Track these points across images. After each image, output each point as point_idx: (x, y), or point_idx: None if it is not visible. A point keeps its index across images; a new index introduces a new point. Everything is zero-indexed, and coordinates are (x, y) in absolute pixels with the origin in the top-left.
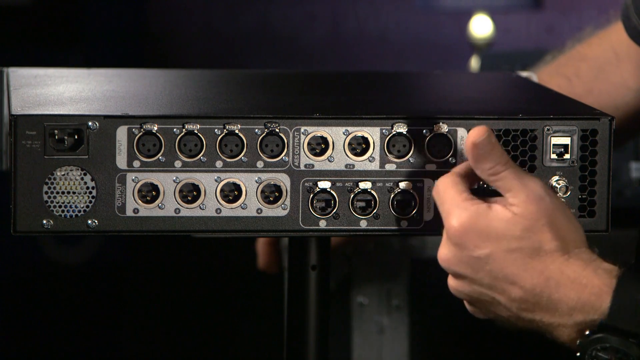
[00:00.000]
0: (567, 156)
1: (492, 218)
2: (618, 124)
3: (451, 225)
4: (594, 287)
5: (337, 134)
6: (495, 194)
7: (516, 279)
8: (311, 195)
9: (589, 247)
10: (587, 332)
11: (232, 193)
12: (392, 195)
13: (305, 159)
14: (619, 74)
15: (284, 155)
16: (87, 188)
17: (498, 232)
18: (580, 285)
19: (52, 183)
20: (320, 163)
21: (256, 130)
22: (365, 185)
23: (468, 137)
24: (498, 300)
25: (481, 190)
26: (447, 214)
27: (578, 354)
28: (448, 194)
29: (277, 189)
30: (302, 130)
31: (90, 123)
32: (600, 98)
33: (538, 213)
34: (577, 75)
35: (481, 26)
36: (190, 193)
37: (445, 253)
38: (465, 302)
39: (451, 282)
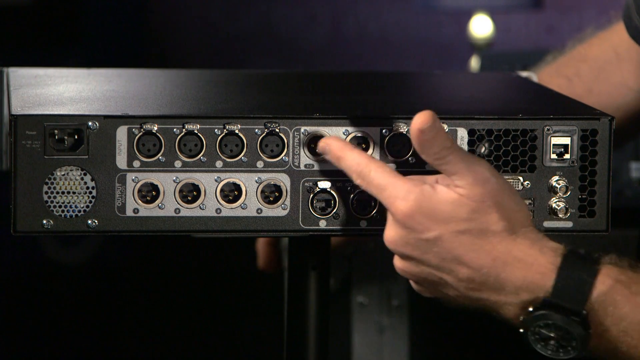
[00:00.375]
0: (567, 156)
1: (439, 200)
2: (618, 124)
3: (398, 207)
4: (540, 266)
5: (337, 134)
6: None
7: (464, 259)
8: (311, 195)
9: (535, 226)
10: (530, 309)
11: (232, 193)
12: None
13: (305, 159)
14: (619, 74)
15: (284, 155)
16: (87, 188)
17: (445, 214)
18: (526, 264)
19: (52, 183)
20: (320, 163)
21: (256, 130)
22: None
23: (413, 123)
24: (445, 280)
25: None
26: (392, 197)
27: (521, 330)
28: (391, 178)
29: (277, 189)
30: (302, 130)
31: (90, 123)
32: (601, 98)
33: (484, 195)
34: (578, 76)
35: (481, 26)
36: (190, 193)
37: (392, 235)
38: (411, 282)
39: (397, 262)
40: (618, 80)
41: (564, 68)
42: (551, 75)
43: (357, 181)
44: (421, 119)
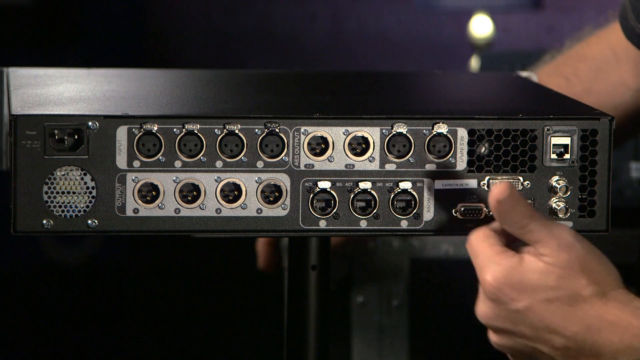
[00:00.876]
0: (567, 156)
1: (525, 270)
2: (617, 123)
3: (486, 280)
4: (635, 329)
5: (337, 134)
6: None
7: (557, 328)
8: (311, 195)
9: (625, 287)
10: None
11: (232, 193)
12: (392, 195)
13: (305, 159)
14: (617, 73)
15: (284, 155)
16: (87, 188)
17: (533, 283)
18: (620, 328)
19: (52, 183)
20: (320, 163)
21: (256, 130)
22: (365, 185)
23: (491, 194)
24: (541, 350)
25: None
26: (481, 268)
27: None
28: (480, 248)
29: (277, 189)
30: (302, 130)
31: (90, 123)
32: (600, 98)
33: (570, 260)
34: (576, 75)
35: (481, 26)
36: (190, 193)
37: (483, 309)
38: (508, 355)
39: (492, 336)
40: (616, 79)
41: (563, 67)
42: (550, 74)
43: (467, 247)
44: (498, 190)
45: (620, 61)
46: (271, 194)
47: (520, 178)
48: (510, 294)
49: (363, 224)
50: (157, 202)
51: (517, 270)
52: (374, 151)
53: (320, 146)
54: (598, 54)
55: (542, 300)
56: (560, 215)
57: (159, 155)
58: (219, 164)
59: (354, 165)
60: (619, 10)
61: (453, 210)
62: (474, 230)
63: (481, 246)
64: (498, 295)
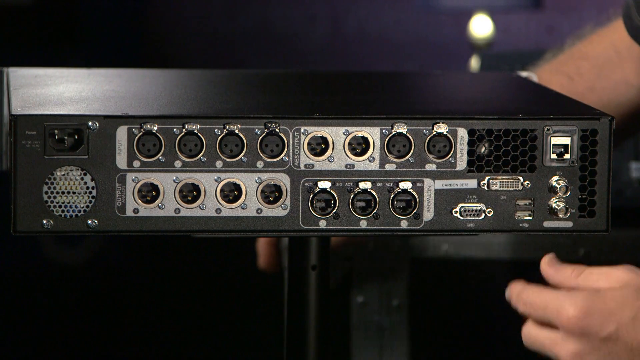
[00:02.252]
0: (567, 156)
1: (604, 296)
2: (620, 121)
3: (570, 316)
4: None
5: (337, 134)
6: None
7: None
8: (311, 195)
9: None
10: None
11: (232, 193)
12: (392, 195)
13: (305, 159)
14: (620, 71)
15: (284, 155)
16: (87, 188)
17: (617, 303)
18: None
19: (52, 183)
20: (320, 163)
21: (256, 130)
22: (365, 185)
23: (542, 265)
24: None
25: None
26: (558, 309)
27: None
28: (548, 294)
29: (277, 189)
30: (302, 130)
31: (90, 123)
32: (602, 96)
33: (638, 276)
34: (579, 74)
35: (481, 26)
36: (190, 193)
37: (572, 348)
38: None
39: None
40: (619, 77)
41: (565, 66)
42: (552, 73)
43: (523, 310)
44: (545, 259)
45: (623, 59)
46: (271, 194)
47: (520, 178)
48: (596, 322)
49: (363, 224)
50: (157, 202)
51: (598, 298)
52: (374, 151)
53: (320, 146)
54: (600, 52)
55: (629, 318)
56: (560, 215)
57: (159, 155)
58: (219, 164)
59: (354, 165)
60: (623, 8)
61: (453, 210)
62: (522, 284)
63: (545, 293)
64: (585, 328)
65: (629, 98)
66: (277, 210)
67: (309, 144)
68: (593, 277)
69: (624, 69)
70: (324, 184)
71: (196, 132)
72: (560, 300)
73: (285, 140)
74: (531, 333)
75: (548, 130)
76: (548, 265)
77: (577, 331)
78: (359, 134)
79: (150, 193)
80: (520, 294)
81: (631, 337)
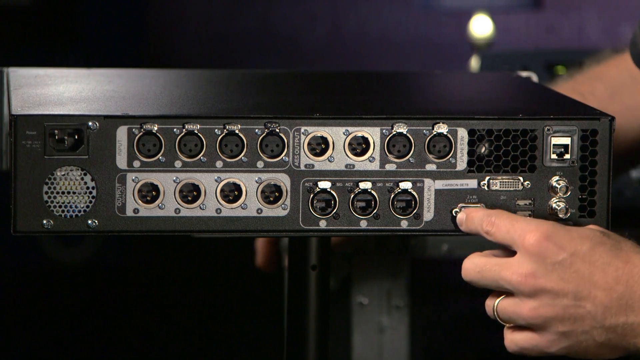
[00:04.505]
0: (567, 156)
1: (570, 227)
2: (630, 146)
3: (531, 236)
4: None
5: (337, 134)
6: None
7: (602, 272)
8: (311, 195)
9: None
10: None
11: (232, 193)
12: (392, 195)
13: (305, 159)
14: (633, 97)
15: (284, 155)
16: (87, 188)
17: (579, 235)
18: None
19: (52, 183)
20: (320, 163)
21: (256, 130)
22: (365, 185)
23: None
24: (584, 307)
25: None
26: (523, 230)
27: None
28: (517, 219)
29: (277, 189)
30: (302, 130)
31: (90, 123)
32: None
33: (604, 231)
34: (592, 94)
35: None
36: (191, 193)
37: (524, 269)
38: (542, 340)
39: (529, 306)
40: (632, 103)
41: (580, 85)
42: (566, 91)
43: (486, 233)
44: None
45: (638, 85)
46: (271, 194)
47: (521, 178)
48: (554, 247)
49: (363, 224)
50: (157, 202)
51: (562, 227)
52: (374, 151)
53: (320, 146)
54: (616, 75)
55: (586, 249)
56: (560, 215)
57: (159, 155)
58: (219, 164)
59: (354, 165)
60: (631, 38)
61: (453, 210)
62: (497, 210)
63: (514, 218)
64: (542, 250)
65: None
66: (277, 210)
67: (309, 144)
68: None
69: (638, 94)
70: (324, 184)
71: (196, 132)
72: (528, 223)
73: (286, 140)
74: (480, 260)
75: (548, 130)
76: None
77: (534, 252)
78: (359, 134)
79: (150, 193)
80: (491, 216)
81: (584, 267)
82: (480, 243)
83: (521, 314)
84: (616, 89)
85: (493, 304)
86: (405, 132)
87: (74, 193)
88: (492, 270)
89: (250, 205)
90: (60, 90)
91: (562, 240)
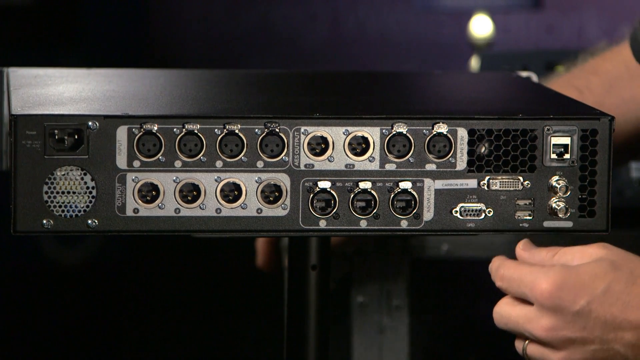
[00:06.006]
0: (567, 156)
1: (578, 271)
2: (628, 138)
3: (543, 290)
4: None
5: (337, 134)
6: None
7: (624, 314)
8: (311, 195)
9: None
10: None
11: (232, 193)
12: (392, 195)
13: (305, 159)
14: (630, 89)
15: (284, 155)
16: (87, 188)
17: (590, 277)
18: None
19: (52, 183)
20: (320, 163)
21: (256, 130)
22: (365, 185)
23: (517, 250)
24: (614, 349)
25: None
26: (533, 283)
27: None
28: (522, 268)
29: (277, 188)
30: (302, 130)
31: (90, 123)
32: (611, 112)
33: (614, 249)
34: (589, 88)
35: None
36: (190, 193)
37: (546, 324)
38: None
39: (558, 356)
40: (629, 95)
41: (576, 80)
42: (562, 86)
43: (501, 289)
44: (520, 244)
45: (634, 77)
46: (271, 193)
47: (520, 178)
48: (569, 296)
49: (363, 224)
50: (157, 202)
51: (571, 271)
52: (374, 151)
53: (320, 146)
54: (612, 69)
55: (601, 291)
56: (560, 215)
57: (159, 155)
58: (219, 164)
59: (354, 165)
60: (631, 32)
61: (453, 210)
62: (501, 259)
63: (521, 268)
64: (558, 302)
65: (637, 116)
66: (277, 210)
67: (309, 144)
68: (567, 255)
69: (634, 87)
70: (324, 184)
71: (196, 132)
72: (535, 275)
73: (285, 140)
74: (505, 310)
75: (548, 130)
76: (523, 250)
77: (550, 305)
78: (359, 134)
79: (150, 193)
80: (499, 269)
81: (604, 310)
82: (480, 243)
83: None
84: (612, 82)
85: (522, 346)
86: (405, 132)
87: (74, 193)
88: (516, 323)
89: (250, 205)
90: (60, 90)
91: (574, 287)
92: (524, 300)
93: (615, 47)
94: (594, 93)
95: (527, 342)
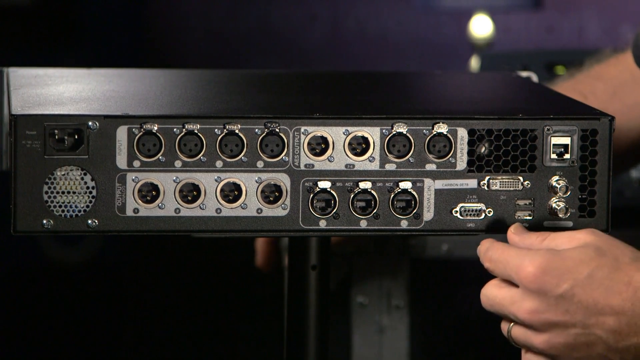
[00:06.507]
0: (567, 156)
1: (563, 254)
2: (632, 144)
3: (527, 272)
4: None
5: (337, 134)
6: None
7: (606, 300)
8: (311, 195)
9: None
10: None
11: (232, 193)
12: (392, 195)
13: (305, 159)
14: (634, 95)
15: (284, 155)
16: (87, 188)
17: (574, 263)
18: None
19: (52, 183)
20: (320, 163)
21: (256, 130)
22: (365, 185)
23: (508, 233)
24: (596, 335)
25: None
26: (518, 266)
27: None
28: (508, 250)
29: (277, 188)
30: (302, 130)
31: (90, 123)
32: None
33: (600, 239)
34: (593, 93)
35: (481, 26)
36: (190, 193)
37: (529, 305)
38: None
39: (539, 339)
40: (633, 101)
41: (580, 85)
42: (567, 90)
43: (488, 269)
44: (511, 227)
45: (638, 84)
46: (271, 193)
47: (520, 178)
48: (553, 279)
49: (363, 224)
50: (157, 202)
51: (556, 255)
52: (374, 151)
53: (320, 146)
54: (616, 75)
55: (585, 276)
56: (560, 215)
57: (159, 155)
58: (219, 164)
59: (354, 165)
60: (633, 38)
61: (453, 210)
62: (490, 241)
63: (508, 250)
64: (541, 285)
65: None
66: (277, 210)
67: (309, 144)
68: (556, 240)
69: (638, 93)
70: (324, 184)
71: (196, 132)
72: (521, 257)
73: (285, 140)
74: (491, 292)
75: (548, 130)
76: (514, 234)
77: (534, 288)
78: (359, 134)
79: (150, 193)
80: (487, 251)
81: (587, 295)
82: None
83: (533, 345)
84: (617, 88)
85: (507, 328)
86: (405, 132)
87: (74, 193)
88: (501, 305)
89: (250, 205)
90: (60, 90)
91: (558, 271)
92: (511, 283)
93: (620, 54)
94: (598, 98)
95: (512, 324)
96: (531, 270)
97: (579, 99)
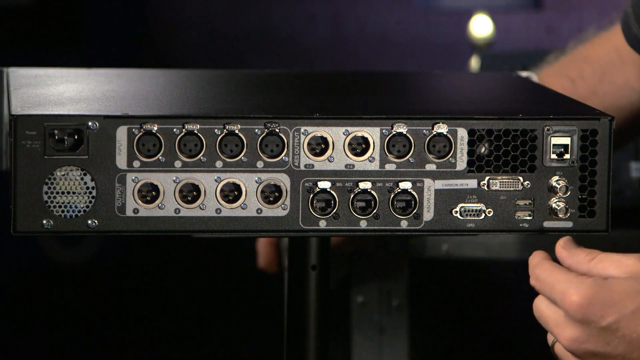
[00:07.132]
0: (567, 156)
1: (610, 286)
2: (622, 125)
3: (572, 302)
4: None
5: (337, 134)
6: None
7: None
8: (311, 195)
9: None
10: None
11: (232, 193)
12: (392, 195)
13: (305, 159)
14: (622, 75)
15: (284, 155)
16: (87, 188)
17: (621, 295)
18: None
19: (52, 183)
20: (320, 163)
21: (256, 130)
22: (365, 185)
23: (556, 247)
24: None
25: None
26: (563, 292)
27: None
28: (556, 275)
29: (277, 189)
30: (302, 130)
31: (90, 123)
32: (605, 99)
33: None
34: (581, 77)
35: (481, 26)
36: (190, 193)
37: (571, 333)
38: None
39: None
40: (621, 81)
41: (567, 69)
42: (554, 75)
43: (534, 288)
44: (560, 241)
45: (626, 63)
46: (271, 194)
47: (520, 178)
48: (599, 311)
49: (363, 224)
50: (157, 202)
51: (602, 287)
52: (374, 151)
53: (320, 146)
54: (603, 55)
55: (631, 311)
56: (560, 215)
57: (159, 155)
58: (219, 164)
59: (354, 165)
60: (621, 16)
61: (453, 210)
62: (540, 256)
63: (555, 273)
64: (587, 315)
65: (631, 102)
66: (277, 210)
67: (309, 144)
68: (604, 264)
69: (626, 72)
70: (324, 184)
71: (196, 132)
72: (567, 284)
73: (285, 140)
74: (540, 307)
75: (548, 130)
76: (562, 248)
77: (578, 317)
78: (359, 134)
79: (150, 193)
80: (535, 268)
81: (630, 330)
82: (480, 243)
83: None
84: (605, 69)
85: (551, 342)
86: (405, 132)
87: (73, 193)
88: (546, 323)
89: (250, 205)
90: (60, 90)
91: (604, 303)
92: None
93: (604, 33)
94: (586, 82)
95: (554, 340)
96: (576, 300)
97: (567, 84)
